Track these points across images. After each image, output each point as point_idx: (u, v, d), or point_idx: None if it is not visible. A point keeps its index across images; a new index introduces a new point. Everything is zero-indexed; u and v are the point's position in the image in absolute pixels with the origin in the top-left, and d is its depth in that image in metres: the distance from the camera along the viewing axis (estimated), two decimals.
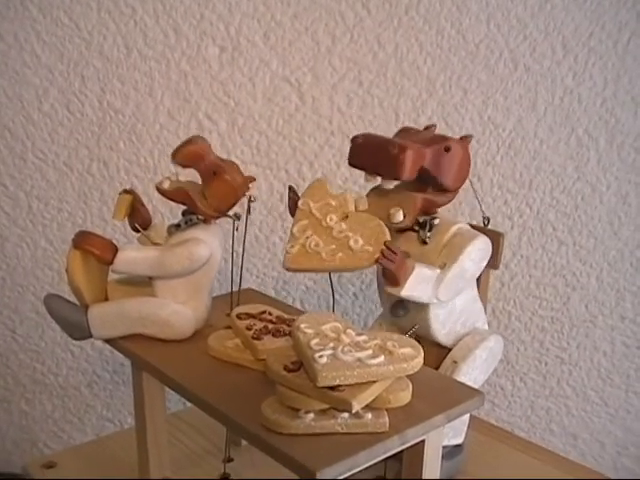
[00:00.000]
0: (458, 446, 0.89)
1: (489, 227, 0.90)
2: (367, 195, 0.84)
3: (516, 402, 1.39)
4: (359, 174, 1.30)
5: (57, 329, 1.34)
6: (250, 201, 0.82)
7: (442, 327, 0.84)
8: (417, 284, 0.77)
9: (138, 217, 0.84)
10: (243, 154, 1.29)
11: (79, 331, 0.81)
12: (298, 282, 1.35)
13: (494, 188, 1.29)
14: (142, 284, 0.83)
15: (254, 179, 0.83)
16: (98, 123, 1.28)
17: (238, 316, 0.79)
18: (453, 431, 0.86)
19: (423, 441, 0.71)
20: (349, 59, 1.26)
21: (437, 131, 0.88)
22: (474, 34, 1.24)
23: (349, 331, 0.69)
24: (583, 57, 1.24)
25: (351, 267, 0.76)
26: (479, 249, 0.82)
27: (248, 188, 0.81)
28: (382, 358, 0.66)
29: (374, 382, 0.65)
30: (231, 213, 0.83)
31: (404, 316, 0.85)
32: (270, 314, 0.81)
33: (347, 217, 0.78)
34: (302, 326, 0.69)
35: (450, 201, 0.85)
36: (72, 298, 0.84)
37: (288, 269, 0.77)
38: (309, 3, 1.24)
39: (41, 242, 1.32)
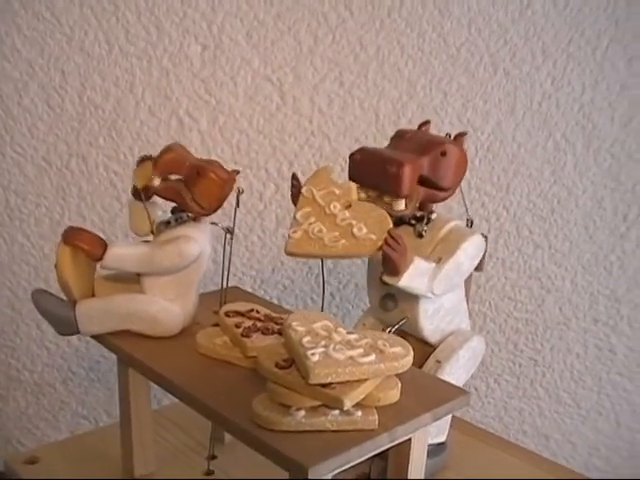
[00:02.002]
0: (441, 444, 0.90)
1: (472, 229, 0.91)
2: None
3: (490, 403, 1.41)
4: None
5: (32, 325, 1.34)
6: (239, 193, 0.83)
7: (429, 323, 0.85)
8: (415, 276, 0.78)
9: (147, 188, 0.83)
10: (223, 152, 1.29)
11: (67, 327, 0.80)
12: (276, 281, 1.36)
13: (472, 191, 1.30)
14: (129, 281, 0.83)
15: (238, 172, 0.83)
16: (78, 119, 1.27)
17: (226, 314, 0.80)
18: (436, 430, 0.87)
19: (409, 439, 0.72)
20: (331, 60, 1.27)
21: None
22: (455, 38, 1.26)
23: (340, 330, 0.70)
24: (562, 63, 1.26)
25: (354, 254, 0.77)
26: (475, 246, 0.83)
27: (234, 181, 0.82)
28: (373, 357, 0.66)
29: (365, 380, 0.66)
30: (221, 224, 0.83)
31: (393, 309, 0.85)
32: (258, 312, 0.81)
33: (350, 206, 0.78)
34: (293, 324, 0.70)
35: (449, 197, 0.86)
36: (55, 293, 0.84)
37: (290, 254, 0.77)
38: (292, 3, 1.24)
39: (18, 237, 1.31)
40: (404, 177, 0.79)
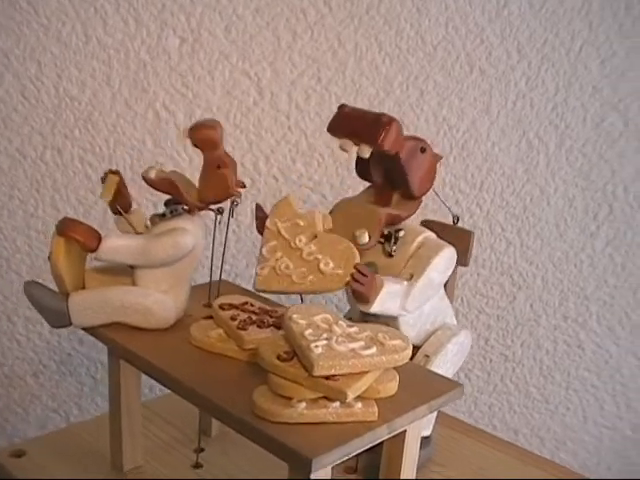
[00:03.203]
0: (426, 438, 0.91)
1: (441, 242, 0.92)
2: (331, 212, 0.85)
3: (460, 398, 1.42)
4: (314, 170, 1.33)
5: (3, 317, 1.33)
6: (234, 204, 0.83)
7: (412, 329, 0.86)
8: (386, 300, 0.78)
9: (121, 200, 0.83)
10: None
11: (59, 319, 0.80)
12: (250, 275, 1.35)
13: (446, 188, 1.32)
14: (120, 273, 0.82)
15: (244, 185, 0.84)
16: (53, 110, 1.26)
17: (221, 306, 0.80)
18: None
19: (404, 431, 0.73)
20: (309, 56, 1.27)
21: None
22: (432, 36, 1.27)
23: (340, 322, 0.71)
24: (536, 63, 1.28)
25: (322, 290, 0.77)
26: (445, 260, 0.83)
27: (237, 193, 0.82)
28: (374, 349, 0.67)
29: (366, 373, 0.67)
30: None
31: (374, 322, 0.86)
32: (252, 305, 0.81)
33: (316, 237, 0.78)
34: (294, 316, 0.70)
35: (413, 213, 0.86)
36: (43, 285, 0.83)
37: (258, 290, 0.77)
38: None
39: None
40: (392, 129, 0.79)
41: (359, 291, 0.76)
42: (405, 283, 0.81)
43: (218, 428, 0.95)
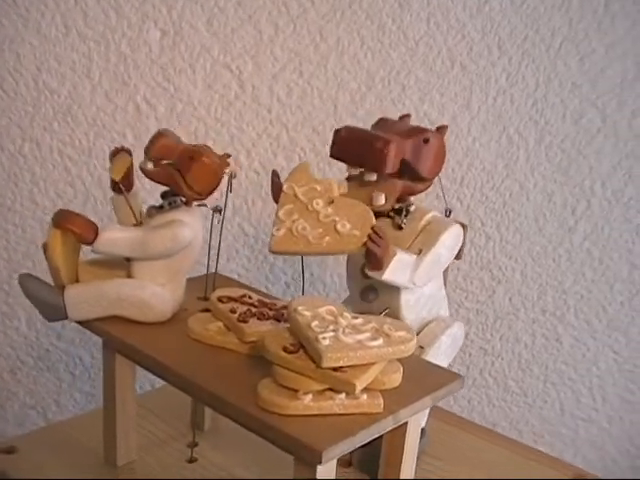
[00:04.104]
0: (421, 430, 0.91)
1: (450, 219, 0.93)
2: (347, 179, 0.85)
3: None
4: (295, 164, 1.32)
5: None
6: (231, 177, 0.82)
7: (411, 312, 0.86)
8: (397, 269, 0.79)
9: (126, 180, 0.82)
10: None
11: (54, 312, 0.78)
12: (230, 270, 1.35)
13: None
14: (114, 266, 0.82)
15: (230, 155, 0.83)
16: (32, 103, 1.24)
17: (219, 299, 0.79)
18: None
19: (405, 423, 0.73)
20: (291, 49, 1.27)
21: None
22: (414, 31, 1.27)
23: (345, 314, 0.71)
24: (517, 59, 1.28)
25: (339, 250, 0.77)
26: (453, 236, 0.85)
27: (227, 165, 0.81)
28: (381, 340, 0.67)
29: (373, 364, 0.67)
30: (210, 204, 0.83)
31: (375, 301, 0.86)
32: (250, 298, 0.81)
33: (333, 202, 0.78)
34: (299, 308, 0.70)
35: (427, 188, 0.87)
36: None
37: (274, 252, 0.77)
38: None
39: None
40: (389, 154, 0.80)
41: (374, 253, 0.76)
42: (415, 256, 0.82)
43: (210, 422, 0.94)
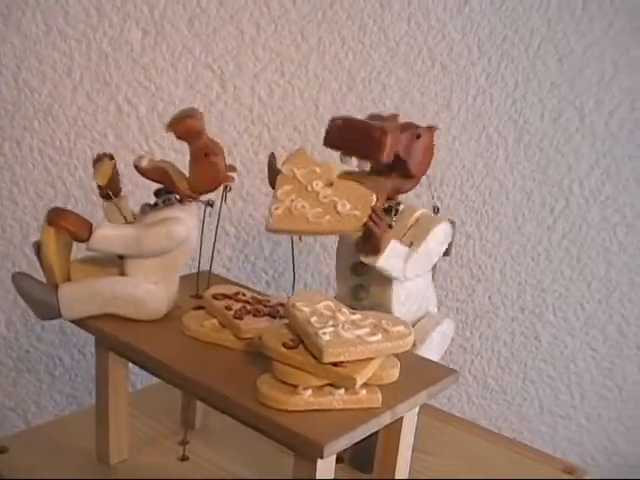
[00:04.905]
0: None
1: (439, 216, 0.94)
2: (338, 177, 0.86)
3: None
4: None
5: None
6: (226, 190, 0.82)
7: (402, 307, 0.87)
8: (391, 257, 0.80)
9: (112, 184, 0.82)
10: (162, 139, 1.28)
11: (48, 311, 0.78)
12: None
13: None
14: (106, 264, 0.81)
15: (235, 169, 0.83)
16: (12, 101, 1.24)
17: (214, 297, 0.79)
18: None
19: (401, 418, 0.73)
20: (272, 49, 1.27)
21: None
22: (395, 31, 1.28)
23: (343, 310, 0.71)
24: (496, 59, 1.30)
25: (338, 230, 0.77)
26: (444, 231, 0.86)
27: (230, 179, 0.81)
28: (380, 336, 0.68)
29: (372, 359, 0.67)
30: (204, 198, 0.83)
31: (365, 299, 0.87)
32: (244, 295, 0.81)
33: (332, 184, 0.78)
34: (297, 304, 0.70)
35: (413, 187, 0.88)
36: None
37: (272, 230, 0.76)
38: None
39: None
40: (387, 143, 0.80)
41: (374, 233, 0.77)
42: (407, 248, 0.83)
43: (201, 420, 0.94)
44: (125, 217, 0.83)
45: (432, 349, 0.88)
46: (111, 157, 0.82)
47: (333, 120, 0.84)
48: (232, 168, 0.82)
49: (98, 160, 0.82)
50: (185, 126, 0.79)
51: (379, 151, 0.80)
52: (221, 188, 0.82)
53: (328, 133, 0.85)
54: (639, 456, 1.49)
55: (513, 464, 0.94)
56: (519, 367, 1.42)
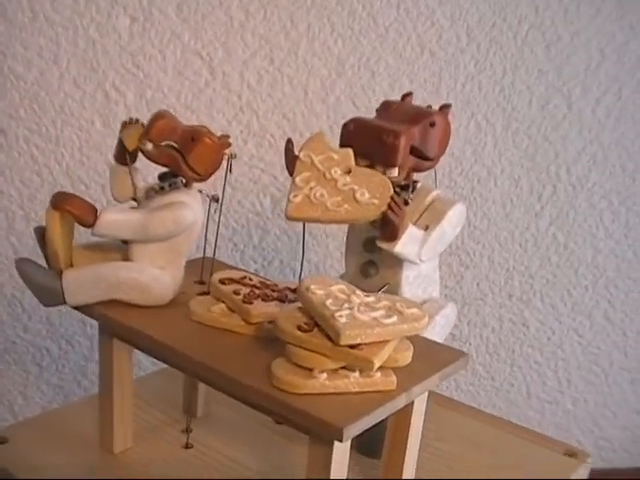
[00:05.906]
0: None
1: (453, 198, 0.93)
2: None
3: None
4: (265, 151, 1.32)
5: None
6: (231, 158, 0.81)
7: (410, 288, 0.87)
8: (408, 242, 0.80)
9: (136, 151, 0.80)
10: None
11: (52, 297, 0.77)
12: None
13: None
14: (110, 250, 0.80)
15: (229, 136, 0.82)
16: None
17: (221, 281, 0.78)
18: None
19: (412, 402, 0.73)
20: (261, 36, 1.26)
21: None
22: (384, 18, 1.28)
23: (357, 292, 0.71)
24: (485, 46, 1.30)
25: (358, 218, 0.77)
26: (458, 214, 0.86)
27: (227, 145, 0.80)
28: (395, 318, 0.67)
29: (388, 341, 0.67)
30: (207, 188, 0.82)
31: (375, 276, 0.87)
32: (251, 279, 0.80)
33: (350, 171, 0.78)
34: (312, 287, 0.70)
35: (434, 166, 0.87)
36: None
37: (291, 218, 0.76)
38: None
39: None
40: (400, 147, 0.80)
41: (393, 222, 0.77)
42: (422, 231, 0.82)
43: (203, 408, 0.93)
44: (135, 186, 0.81)
45: (436, 333, 0.88)
46: (143, 124, 0.80)
47: (345, 124, 0.84)
48: (226, 136, 0.81)
49: (129, 123, 0.81)
50: (157, 129, 0.77)
51: (393, 157, 0.80)
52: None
53: (342, 138, 0.84)
54: (625, 440, 1.50)
55: (517, 448, 0.94)
56: (507, 353, 1.43)
